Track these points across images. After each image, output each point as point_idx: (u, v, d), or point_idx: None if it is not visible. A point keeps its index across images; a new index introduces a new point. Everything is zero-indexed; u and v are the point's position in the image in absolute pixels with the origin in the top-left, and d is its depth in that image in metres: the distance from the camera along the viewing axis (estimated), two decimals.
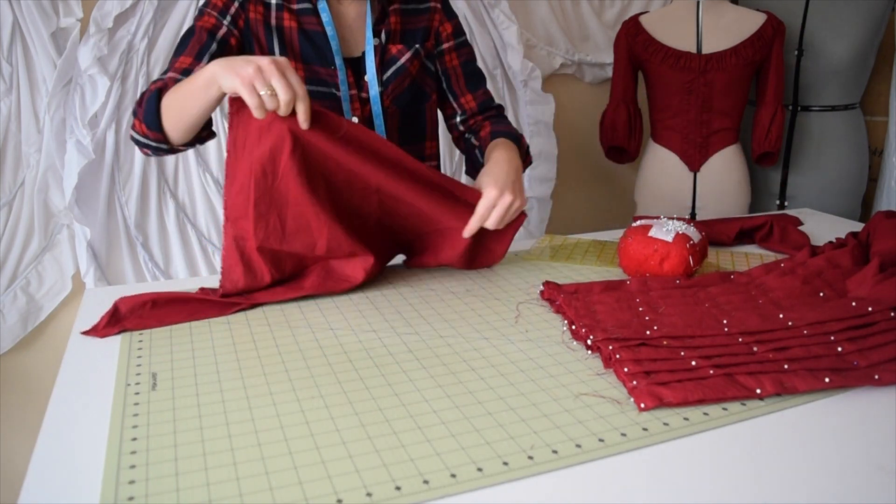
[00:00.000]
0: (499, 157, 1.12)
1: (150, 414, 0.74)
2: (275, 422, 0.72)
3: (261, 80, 0.88)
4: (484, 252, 1.16)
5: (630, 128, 2.08)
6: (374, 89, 1.21)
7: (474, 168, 1.31)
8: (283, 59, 0.92)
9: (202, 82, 0.96)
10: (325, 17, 1.17)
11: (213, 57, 1.13)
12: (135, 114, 1.10)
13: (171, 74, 1.13)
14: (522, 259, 1.27)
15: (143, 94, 1.10)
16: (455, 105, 1.33)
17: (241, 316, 1.01)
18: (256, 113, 0.91)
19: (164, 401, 0.77)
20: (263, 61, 0.89)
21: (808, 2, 2.07)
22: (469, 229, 1.05)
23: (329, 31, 1.18)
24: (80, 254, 1.85)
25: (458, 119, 1.34)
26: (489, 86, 2.21)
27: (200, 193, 1.97)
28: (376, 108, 1.22)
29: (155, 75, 1.85)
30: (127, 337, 0.93)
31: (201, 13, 1.17)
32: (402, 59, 1.23)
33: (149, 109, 1.06)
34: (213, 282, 1.16)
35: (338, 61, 1.18)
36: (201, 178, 1.96)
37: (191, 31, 1.16)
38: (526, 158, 1.28)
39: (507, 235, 1.14)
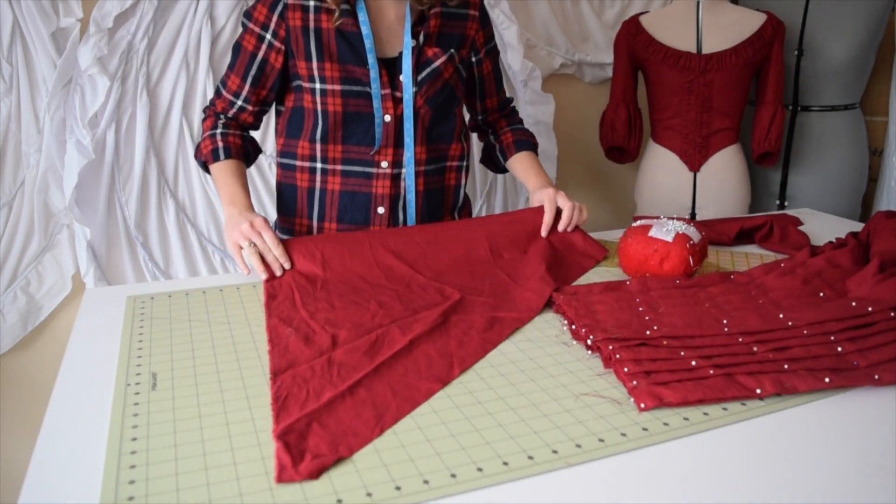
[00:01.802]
0: (545, 181, 1.36)
1: (150, 414, 0.74)
2: None
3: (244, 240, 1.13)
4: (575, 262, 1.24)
5: (630, 128, 2.08)
6: (408, 89, 1.25)
7: (491, 161, 1.51)
8: (259, 221, 1.14)
9: (223, 202, 1.22)
10: (361, 16, 1.21)
11: (255, 80, 1.27)
12: (196, 148, 1.32)
13: (225, 95, 1.30)
14: None
15: (198, 145, 1.31)
16: (480, 105, 1.44)
17: (241, 316, 1.01)
18: (243, 269, 1.14)
19: (164, 401, 0.77)
20: (244, 226, 1.13)
21: (808, 2, 2.07)
22: (546, 227, 1.27)
23: (364, 30, 1.22)
24: (80, 254, 1.85)
25: (479, 116, 1.48)
26: None
27: (200, 193, 1.97)
28: (408, 107, 1.26)
29: (155, 75, 1.85)
30: (127, 337, 0.94)
31: (245, 26, 1.25)
32: (438, 62, 1.27)
33: (200, 164, 1.32)
34: (214, 282, 1.16)
35: (370, 60, 1.22)
36: (201, 178, 1.96)
37: (238, 46, 1.27)
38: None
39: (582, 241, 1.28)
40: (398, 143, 1.28)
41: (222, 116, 1.31)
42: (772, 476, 0.64)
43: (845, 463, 0.66)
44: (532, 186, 1.35)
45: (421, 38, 1.26)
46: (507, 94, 1.50)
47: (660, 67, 1.98)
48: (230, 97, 1.29)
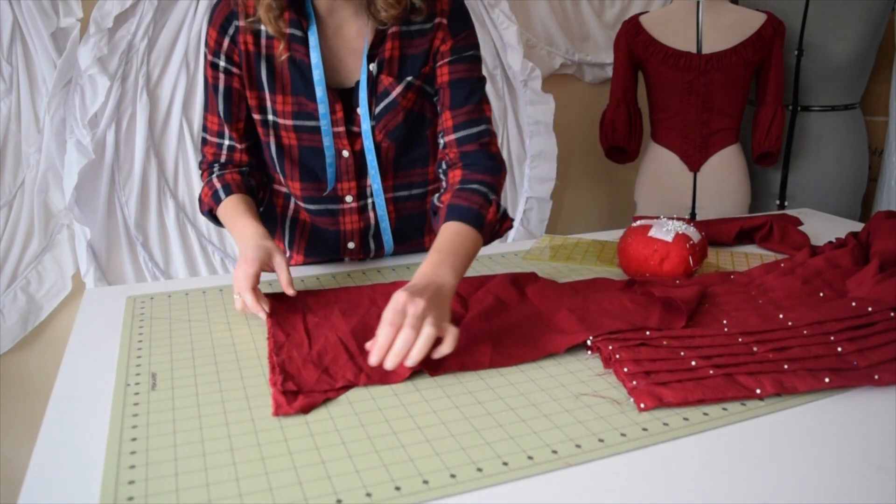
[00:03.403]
0: (425, 270, 0.90)
1: (150, 414, 0.74)
2: (275, 422, 0.72)
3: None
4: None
5: (630, 128, 2.08)
6: (365, 123, 1.11)
7: (429, 229, 1.23)
8: (238, 275, 0.97)
9: (236, 241, 1.08)
10: (312, 40, 1.07)
11: (227, 114, 1.14)
12: (199, 201, 1.19)
13: (210, 140, 1.17)
14: (522, 259, 1.27)
15: (200, 197, 1.18)
16: (440, 122, 1.13)
17: (241, 316, 1.01)
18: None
19: (164, 401, 0.77)
20: (235, 275, 0.98)
21: (808, 2, 2.07)
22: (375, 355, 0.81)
23: (314, 58, 1.07)
24: (80, 254, 1.85)
25: (441, 140, 1.13)
26: (489, 88, 2.22)
27: None
28: (368, 142, 1.12)
29: (155, 75, 1.85)
30: (127, 337, 0.93)
31: (205, 57, 1.13)
32: (394, 93, 1.10)
33: (208, 216, 1.19)
34: (214, 282, 1.16)
35: (319, 93, 1.08)
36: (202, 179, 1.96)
37: (205, 81, 1.15)
38: (499, 230, 1.08)
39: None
40: (361, 175, 1.16)
41: (216, 165, 1.17)
42: (772, 476, 0.64)
43: (845, 463, 0.66)
44: (418, 273, 0.90)
45: (375, 65, 1.09)
46: (485, 125, 1.11)
47: (660, 67, 1.98)
48: (216, 140, 1.16)
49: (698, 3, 1.96)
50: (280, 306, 1.01)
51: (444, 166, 1.12)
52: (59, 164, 1.81)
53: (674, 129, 2.02)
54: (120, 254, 1.92)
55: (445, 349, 0.81)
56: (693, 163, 2.03)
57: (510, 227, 1.10)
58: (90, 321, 1.00)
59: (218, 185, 1.14)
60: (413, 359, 0.79)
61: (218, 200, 1.13)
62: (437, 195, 1.11)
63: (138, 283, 1.31)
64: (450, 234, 0.98)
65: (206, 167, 1.19)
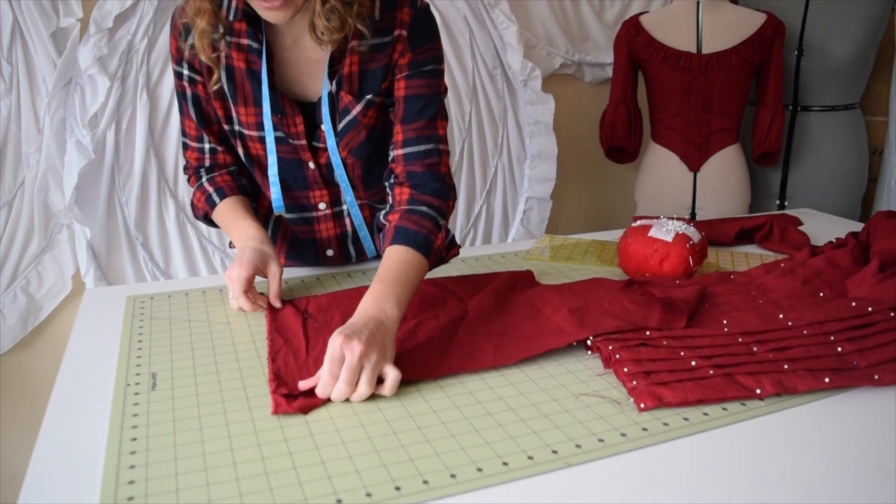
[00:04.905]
0: (366, 306, 0.86)
1: (150, 414, 0.74)
2: (274, 422, 0.72)
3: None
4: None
5: (630, 128, 2.08)
6: (330, 140, 1.08)
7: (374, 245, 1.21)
8: (232, 276, 1.01)
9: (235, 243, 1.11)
10: (264, 56, 1.04)
11: (201, 120, 1.12)
12: (192, 206, 1.19)
13: (191, 145, 1.15)
14: (522, 259, 1.27)
15: (192, 202, 1.17)
16: (393, 134, 1.08)
17: (241, 316, 1.01)
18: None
19: (164, 401, 0.77)
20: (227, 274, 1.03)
21: (808, 2, 2.07)
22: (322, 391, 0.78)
23: (263, 75, 1.04)
24: (80, 254, 1.85)
25: (390, 153, 1.08)
26: (489, 88, 2.23)
27: None
28: (335, 158, 1.09)
29: (155, 75, 1.85)
30: (127, 337, 0.93)
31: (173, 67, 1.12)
32: (354, 112, 1.06)
33: (204, 221, 1.19)
34: (213, 282, 1.16)
35: (266, 108, 1.05)
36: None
37: (175, 90, 1.14)
38: (445, 256, 1.06)
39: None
40: (331, 183, 1.14)
41: (202, 170, 1.16)
42: (772, 476, 0.64)
43: (845, 463, 0.66)
44: (359, 308, 0.87)
45: (334, 83, 1.04)
46: (434, 144, 1.06)
47: (660, 67, 1.98)
48: (196, 144, 1.15)
49: (698, 3, 1.96)
50: (281, 310, 1.01)
51: (391, 180, 1.08)
52: (59, 164, 1.81)
53: (674, 129, 2.02)
54: (120, 254, 1.92)
55: (386, 392, 0.78)
56: (693, 163, 2.03)
57: (457, 253, 1.09)
58: (90, 321, 1.00)
59: (210, 189, 1.14)
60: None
61: (213, 205, 1.14)
62: (382, 212, 1.07)
63: (138, 283, 1.31)
64: (395, 261, 0.94)
65: (192, 172, 1.17)
